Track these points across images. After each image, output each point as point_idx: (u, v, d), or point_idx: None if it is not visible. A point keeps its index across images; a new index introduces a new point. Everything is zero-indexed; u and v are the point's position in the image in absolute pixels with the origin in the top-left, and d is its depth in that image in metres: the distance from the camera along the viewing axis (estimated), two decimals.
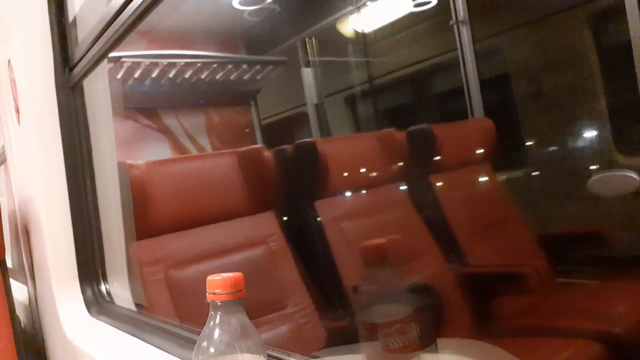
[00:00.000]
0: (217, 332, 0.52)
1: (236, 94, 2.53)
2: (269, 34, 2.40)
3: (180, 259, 1.37)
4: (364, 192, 1.70)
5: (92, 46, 1.11)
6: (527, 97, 1.94)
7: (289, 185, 1.63)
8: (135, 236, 1.36)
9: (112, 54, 1.17)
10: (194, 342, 0.54)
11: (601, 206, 1.48)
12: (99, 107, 1.30)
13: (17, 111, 1.36)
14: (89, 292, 1.29)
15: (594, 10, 1.70)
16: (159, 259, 1.36)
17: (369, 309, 0.70)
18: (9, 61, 1.37)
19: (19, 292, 1.72)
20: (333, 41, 2.67)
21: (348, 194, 1.67)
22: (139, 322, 1.10)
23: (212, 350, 0.52)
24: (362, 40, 2.62)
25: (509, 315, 1.49)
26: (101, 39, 1.05)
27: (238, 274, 0.54)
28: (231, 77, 2.40)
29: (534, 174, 1.97)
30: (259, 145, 2.57)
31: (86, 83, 1.28)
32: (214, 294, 0.52)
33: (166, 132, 2.34)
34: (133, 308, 1.28)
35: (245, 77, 2.44)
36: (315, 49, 2.70)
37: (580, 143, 1.81)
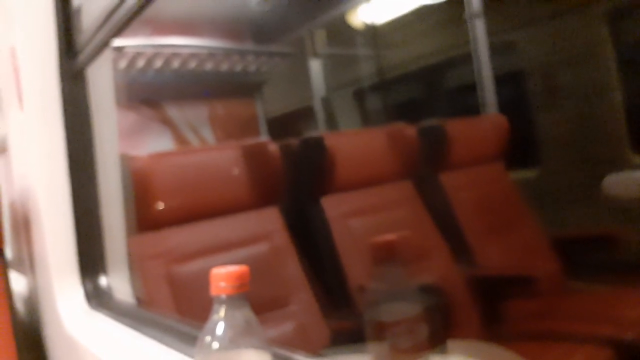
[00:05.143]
0: (220, 327, 0.50)
1: (241, 85, 2.51)
2: (277, 24, 2.37)
3: (181, 253, 1.35)
4: (372, 188, 1.68)
5: (96, 33, 1.09)
6: (541, 94, 1.92)
7: (294, 181, 1.60)
8: (137, 229, 1.34)
9: (115, 43, 1.14)
10: (195, 338, 0.52)
11: (615, 207, 1.45)
12: (102, 96, 1.28)
13: (20, 99, 1.34)
14: (89, 284, 1.28)
15: (613, 6, 1.67)
16: (160, 253, 1.34)
17: (377, 308, 0.68)
18: (12, 48, 1.35)
19: (18, 283, 1.71)
20: (343, 33, 2.65)
21: (355, 190, 1.64)
22: (139, 316, 1.09)
23: (215, 345, 0.50)
24: (372, 32, 2.59)
25: (519, 318, 1.47)
26: (106, 25, 1.03)
27: (243, 268, 0.52)
28: (236, 69, 2.38)
29: (546, 172, 1.95)
30: (265, 138, 2.55)
31: (90, 71, 1.26)
32: (219, 287, 0.50)
33: (169, 124, 2.32)
34: (133, 302, 1.26)
35: (251, 68, 2.42)
36: (324, 40, 2.68)
37: (594, 142, 1.79)
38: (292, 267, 1.46)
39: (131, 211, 1.31)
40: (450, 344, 0.74)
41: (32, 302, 1.56)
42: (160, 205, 1.35)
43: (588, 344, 1.29)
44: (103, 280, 1.28)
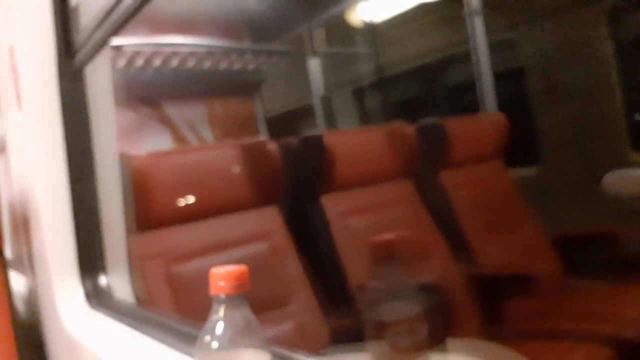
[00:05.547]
0: (220, 327, 0.50)
1: (240, 84, 2.51)
2: (275, 22, 2.37)
3: (181, 253, 1.35)
4: (371, 187, 1.68)
5: (95, 32, 1.09)
6: (541, 92, 1.92)
7: (294, 179, 1.60)
8: (136, 228, 1.34)
9: (114, 42, 1.14)
10: (194, 337, 0.52)
11: (614, 206, 1.45)
12: (101, 95, 1.28)
13: (18, 99, 1.34)
14: (89, 284, 1.28)
15: (613, 4, 1.66)
16: (159, 252, 1.34)
17: (377, 307, 0.68)
18: (11, 47, 1.35)
19: (18, 283, 1.71)
20: (342, 31, 2.65)
21: (355, 189, 1.64)
22: (139, 315, 1.09)
23: (214, 345, 0.50)
24: (371, 31, 2.59)
25: (519, 317, 1.47)
26: (104, 24, 1.03)
27: (243, 267, 0.52)
28: (235, 68, 2.38)
29: (546, 170, 1.95)
30: (264, 137, 2.55)
31: (88, 70, 1.26)
32: (218, 286, 0.50)
33: (167, 122, 2.32)
34: (133, 301, 1.26)
35: (250, 67, 2.42)
36: (323, 39, 2.68)
37: (594, 140, 1.79)
38: (292, 266, 1.46)
39: (130, 210, 1.31)
40: (450, 342, 0.74)
41: (32, 301, 1.56)
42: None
43: (588, 343, 1.30)
44: (103, 280, 1.28)
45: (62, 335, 1.24)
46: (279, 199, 1.54)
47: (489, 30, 2.02)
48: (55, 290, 1.27)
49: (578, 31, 1.77)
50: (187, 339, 0.84)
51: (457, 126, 1.87)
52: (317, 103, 2.79)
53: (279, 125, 2.78)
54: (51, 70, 1.26)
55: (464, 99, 2.38)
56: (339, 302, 1.47)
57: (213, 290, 0.51)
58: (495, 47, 2.04)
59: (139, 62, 2.14)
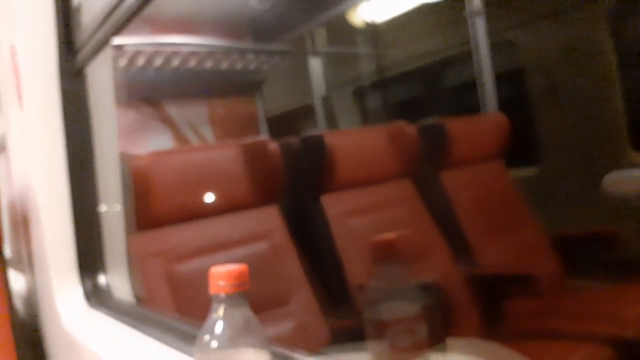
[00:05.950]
0: (219, 326, 0.50)
1: (241, 84, 2.51)
2: (277, 22, 2.37)
3: (181, 252, 1.35)
4: (372, 187, 1.67)
5: (96, 31, 1.09)
6: (542, 92, 1.92)
7: (294, 179, 1.60)
8: (136, 228, 1.34)
9: (115, 42, 1.14)
10: (194, 337, 0.52)
11: (615, 205, 1.46)
12: (102, 94, 1.28)
13: (20, 98, 1.34)
14: (89, 283, 1.28)
15: (614, 4, 1.66)
16: (159, 252, 1.34)
17: (377, 306, 0.68)
18: (12, 47, 1.35)
19: (17, 282, 1.71)
20: (343, 32, 2.65)
21: (355, 189, 1.64)
22: (138, 314, 1.09)
23: (214, 344, 0.50)
24: (372, 31, 2.60)
25: (519, 316, 1.47)
26: (106, 23, 1.03)
27: (243, 266, 0.52)
28: (236, 67, 2.38)
29: (546, 171, 1.95)
30: (264, 137, 2.55)
31: (90, 70, 1.26)
32: (218, 286, 0.50)
33: (168, 122, 2.32)
34: (133, 300, 1.26)
35: (251, 67, 2.42)
36: (324, 39, 2.68)
37: (594, 140, 1.79)
38: (292, 266, 1.46)
39: (130, 210, 1.31)
40: (450, 342, 0.75)
41: (31, 300, 1.56)
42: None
43: (588, 343, 1.30)
44: (102, 279, 1.28)
45: (61, 335, 1.24)
46: (280, 199, 1.54)
47: (490, 31, 2.02)
48: (55, 289, 1.27)
49: (579, 31, 1.77)
50: (186, 338, 0.84)
51: (458, 126, 1.87)
52: (318, 103, 2.79)
53: (280, 124, 2.77)
54: (52, 69, 1.26)
55: (465, 99, 2.38)
56: (339, 302, 1.47)
57: (213, 289, 0.51)
58: (496, 48, 2.04)
59: (140, 61, 2.13)
